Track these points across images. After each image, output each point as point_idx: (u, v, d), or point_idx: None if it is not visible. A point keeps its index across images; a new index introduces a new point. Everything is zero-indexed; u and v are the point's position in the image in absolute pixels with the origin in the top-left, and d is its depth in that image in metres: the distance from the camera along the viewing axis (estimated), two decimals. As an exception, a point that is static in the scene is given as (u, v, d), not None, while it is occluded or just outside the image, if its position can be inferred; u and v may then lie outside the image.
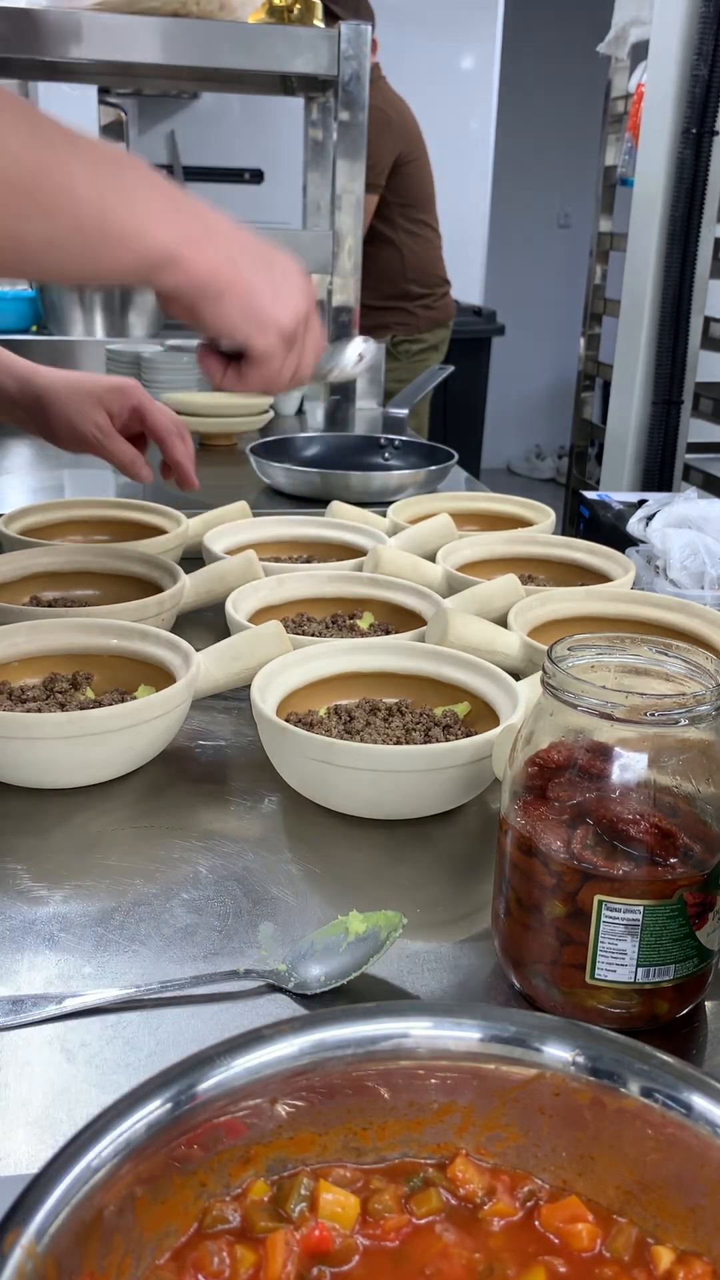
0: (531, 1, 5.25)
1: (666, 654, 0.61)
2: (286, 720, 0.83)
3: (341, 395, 1.96)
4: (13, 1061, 0.57)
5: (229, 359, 0.85)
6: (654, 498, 1.45)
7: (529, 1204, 0.45)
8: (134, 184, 0.72)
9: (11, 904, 0.70)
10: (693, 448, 2.77)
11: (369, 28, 1.72)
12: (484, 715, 0.86)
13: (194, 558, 1.23)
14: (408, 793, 0.78)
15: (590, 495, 1.73)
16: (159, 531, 1.27)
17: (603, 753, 0.57)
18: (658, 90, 2.49)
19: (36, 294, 2.70)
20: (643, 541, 1.34)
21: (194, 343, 2.53)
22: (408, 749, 0.76)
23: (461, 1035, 0.47)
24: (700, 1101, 0.43)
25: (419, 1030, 0.47)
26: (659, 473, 2.67)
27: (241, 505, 1.32)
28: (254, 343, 0.81)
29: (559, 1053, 0.46)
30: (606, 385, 3.05)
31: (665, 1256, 0.43)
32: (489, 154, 4.81)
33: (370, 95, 2.14)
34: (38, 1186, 0.38)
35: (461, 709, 0.89)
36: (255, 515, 1.31)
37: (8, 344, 2.43)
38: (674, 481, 2.69)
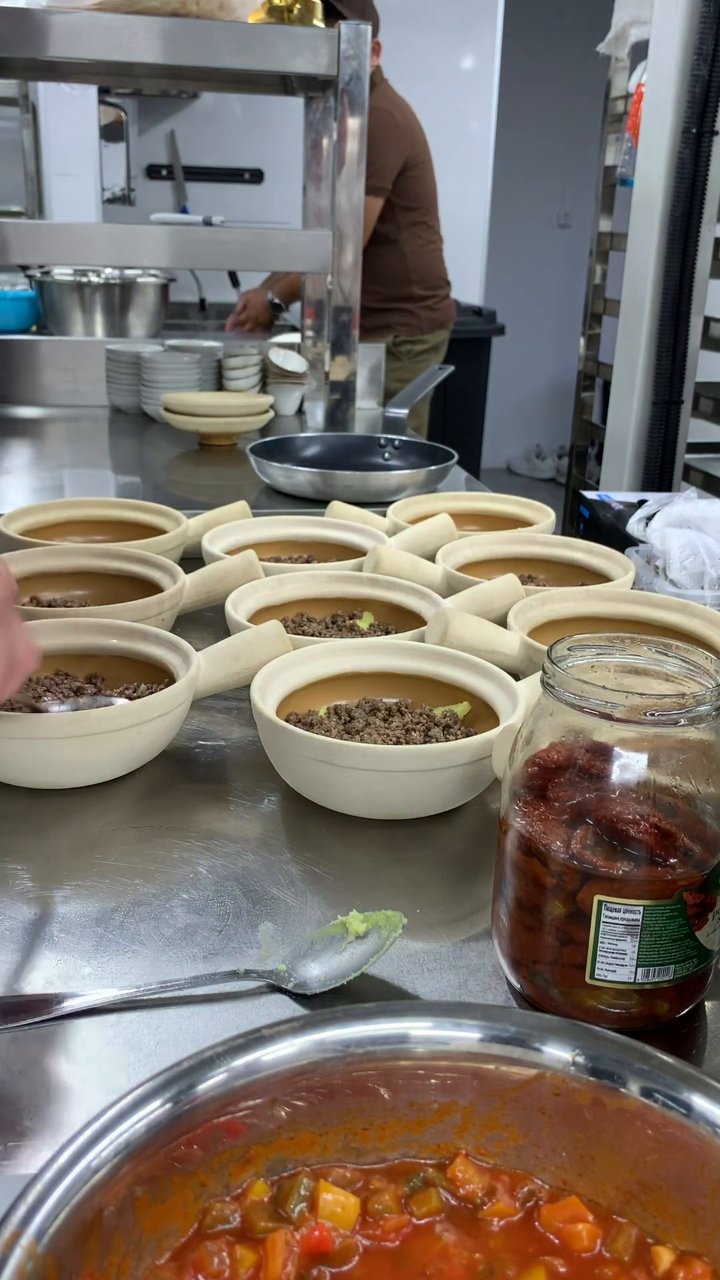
0: (531, 1, 5.25)
1: (666, 654, 0.61)
2: (286, 720, 0.83)
3: (342, 395, 1.96)
4: (13, 1062, 0.57)
5: None
6: (654, 498, 1.45)
7: (529, 1204, 0.45)
8: None
9: (11, 904, 0.70)
10: (693, 448, 2.77)
11: (369, 27, 1.71)
12: (484, 715, 0.86)
13: (194, 558, 1.23)
14: (408, 793, 0.78)
15: (590, 495, 1.73)
16: (159, 531, 1.27)
17: (603, 753, 0.57)
18: (657, 90, 2.49)
19: (36, 294, 2.70)
20: (643, 541, 1.34)
21: (194, 343, 2.52)
22: (408, 749, 0.76)
23: (461, 1035, 0.47)
24: (700, 1102, 0.43)
25: (419, 1030, 0.47)
26: (659, 473, 2.67)
27: (241, 505, 1.32)
28: None
29: (559, 1053, 0.46)
30: (606, 385, 3.05)
31: (665, 1257, 0.43)
32: (489, 154, 4.81)
33: (376, 98, 2.15)
34: (38, 1186, 0.38)
35: (461, 709, 0.89)
36: (255, 515, 1.31)
37: (8, 344, 2.44)
38: (674, 481, 2.69)
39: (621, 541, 1.37)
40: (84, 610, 1.01)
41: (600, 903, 0.56)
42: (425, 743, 0.83)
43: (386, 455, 1.83)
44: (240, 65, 1.69)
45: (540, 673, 0.61)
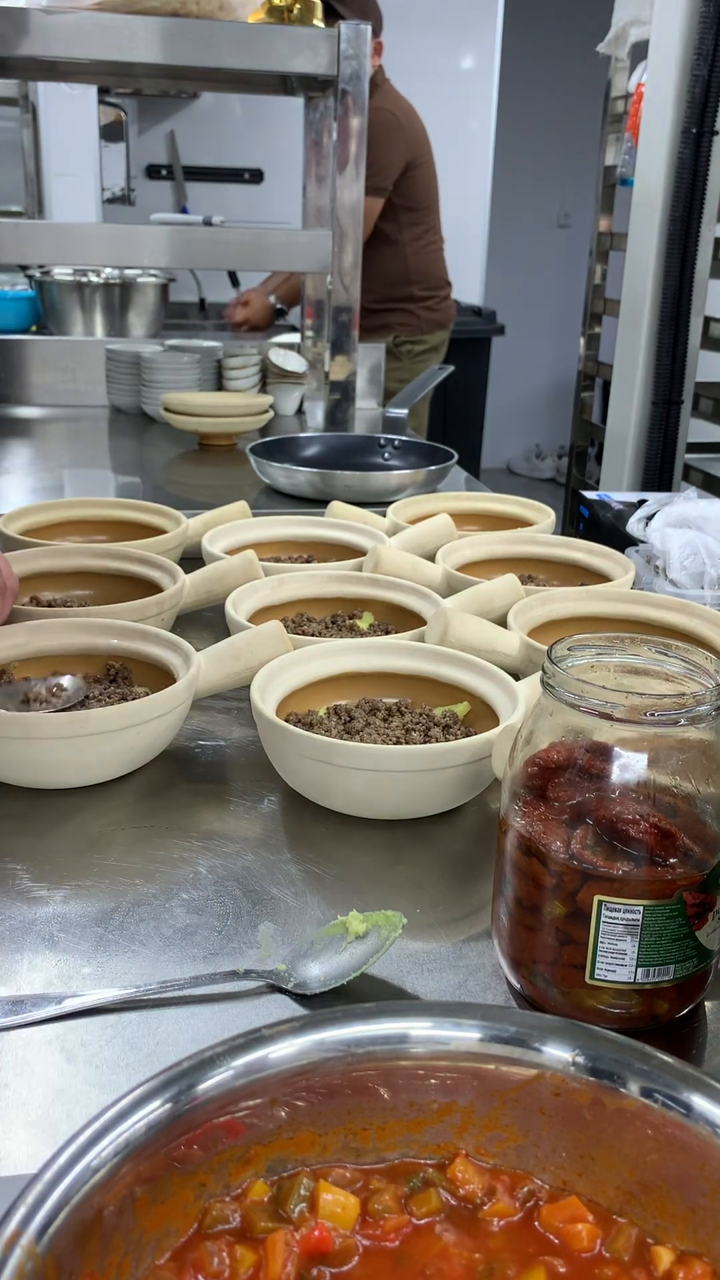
0: (531, 1, 5.25)
1: (666, 654, 0.61)
2: (286, 720, 0.83)
3: (342, 395, 1.96)
4: (13, 1061, 0.57)
5: None
6: (654, 498, 1.45)
7: (529, 1204, 0.45)
8: None
9: (11, 904, 0.70)
10: (693, 448, 2.77)
11: (369, 27, 1.71)
12: (484, 715, 0.86)
13: (194, 558, 1.23)
14: (408, 793, 0.78)
15: (590, 495, 1.73)
16: (159, 531, 1.27)
17: (603, 753, 0.57)
18: (657, 90, 2.49)
19: (36, 294, 2.70)
20: (643, 541, 1.34)
21: (194, 343, 2.52)
22: (408, 749, 0.76)
23: (461, 1035, 0.47)
24: (700, 1102, 0.43)
25: (419, 1030, 0.47)
26: (659, 473, 2.67)
27: (241, 505, 1.32)
28: None
29: (559, 1053, 0.46)
30: (606, 385, 3.05)
31: (665, 1257, 0.43)
32: (489, 154, 4.81)
33: (379, 99, 2.14)
34: (38, 1186, 0.38)
35: (461, 709, 0.89)
36: (255, 515, 1.31)
37: (8, 344, 2.44)
38: (674, 481, 2.69)
39: (621, 541, 1.37)
40: (84, 610, 1.01)
41: (600, 903, 0.56)
42: (425, 743, 0.83)
43: (386, 455, 1.83)
44: (240, 65, 1.69)
45: (540, 673, 0.61)
